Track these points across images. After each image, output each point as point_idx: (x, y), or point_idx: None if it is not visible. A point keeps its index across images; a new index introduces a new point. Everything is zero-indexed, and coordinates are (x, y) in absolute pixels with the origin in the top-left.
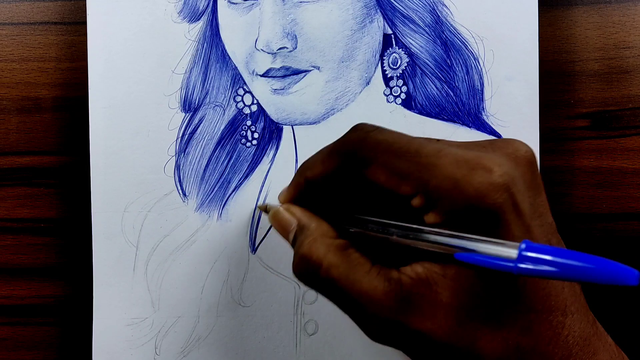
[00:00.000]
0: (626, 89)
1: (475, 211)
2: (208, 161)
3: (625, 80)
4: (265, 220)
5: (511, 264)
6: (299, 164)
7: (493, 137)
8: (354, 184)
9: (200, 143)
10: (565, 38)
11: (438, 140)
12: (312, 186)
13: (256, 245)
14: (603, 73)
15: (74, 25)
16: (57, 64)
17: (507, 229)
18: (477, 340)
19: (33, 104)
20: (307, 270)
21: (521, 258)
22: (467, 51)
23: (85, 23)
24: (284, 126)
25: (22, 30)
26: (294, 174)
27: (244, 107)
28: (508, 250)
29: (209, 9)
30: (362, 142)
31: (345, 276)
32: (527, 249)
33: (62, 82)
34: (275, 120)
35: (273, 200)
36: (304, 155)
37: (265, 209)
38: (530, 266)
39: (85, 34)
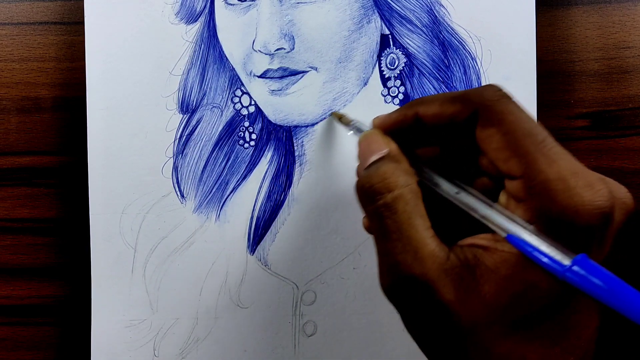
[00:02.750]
0: (626, 89)
1: (570, 223)
2: (206, 162)
3: (625, 80)
4: (264, 221)
5: (561, 267)
6: (297, 165)
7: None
8: (451, 139)
9: (198, 144)
10: (565, 38)
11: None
12: (416, 123)
13: (254, 246)
14: (603, 73)
15: (73, 25)
16: (57, 64)
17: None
18: (522, 354)
19: (33, 103)
20: (375, 186)
21: (576, 262)
22: (464, 51)
23: (84, 23)
24: (282, 127)
25: (21, 30)
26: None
27: (241, 108)
28: (564, 257)
29: (206, 10)
30: (494, 101)
31: (408, 214)
32: (582, 262)
33: (62, 82)
34: (273, 121)
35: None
36: (302, 155)
37: (340, 117)
38: (581, 271)
39: (85, 34)
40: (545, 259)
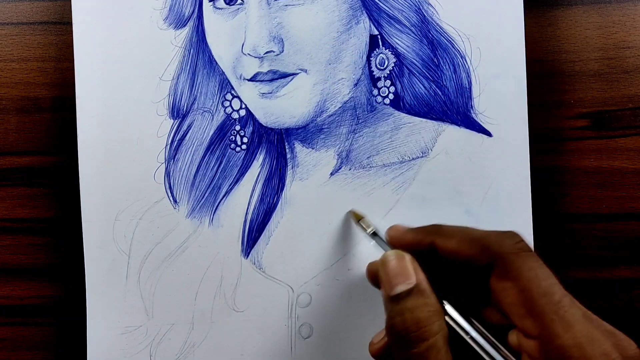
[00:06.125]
0: (626, 89)
1: None
2: (198, 167)
3: (625, 80)
4: (257, 224)
5: None
6: (289, 168)
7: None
8: (465, 275)
9: (190, 149)
10: (565, 38)
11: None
12: (434, 252)
13: (248, 250)
14: (603, 73)
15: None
16: (57, 64)
17: None
18: None
19: (32, 103)
20: (411, 335)
21: None
22: (453, 50)
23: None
24: (273, 130)
25: (21, 30)
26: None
27: (232, 112)
28: None
29: (195, 15)
30: (513, 254)
31: None
32: None
33: (62, 82)
34: (264, 124)
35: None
36: (294, 158)
37: (360, 219)
38: None
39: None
40: None
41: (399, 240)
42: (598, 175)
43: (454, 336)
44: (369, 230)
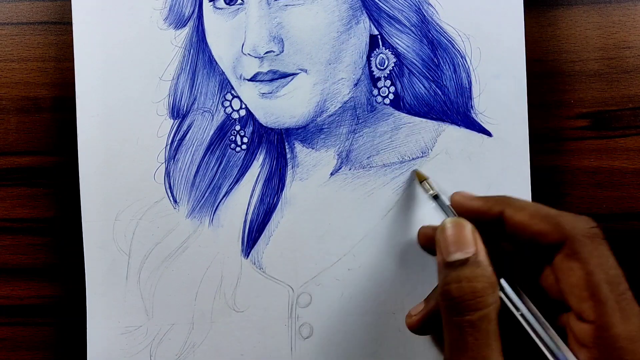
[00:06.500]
0: (626, 89)
1: None
2: (198, 167)
3: (625, 80)
4: (258, 224)
5: None
6: (289, 168)
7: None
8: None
9: (190, 149)
10: (565, 38)
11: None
12: (500, 223)
13: (249, 250)
14: (603, 73)
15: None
16: (57, 64)
17: None
18: None
19: (32, 103)
20: (467, 302)
21: None
22: (453, 50)
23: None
24: (273, 130)
25: (21, 30)
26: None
27: (232, 112)
28: None
29: (195, 15)
30: (586, 237)
31: (489, 335)
32: None
33: (62, 82)
34: (264, 124)
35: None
36: (294, 158)
37: (422, 180)
38: None
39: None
40: None
41: (463, 206)
42: (598, 175)
43: (504, 311)
44: (431, 192)
